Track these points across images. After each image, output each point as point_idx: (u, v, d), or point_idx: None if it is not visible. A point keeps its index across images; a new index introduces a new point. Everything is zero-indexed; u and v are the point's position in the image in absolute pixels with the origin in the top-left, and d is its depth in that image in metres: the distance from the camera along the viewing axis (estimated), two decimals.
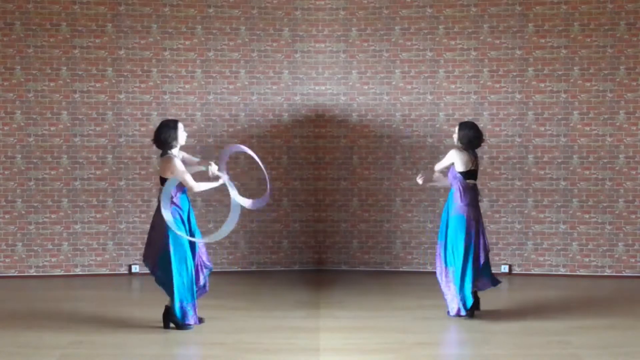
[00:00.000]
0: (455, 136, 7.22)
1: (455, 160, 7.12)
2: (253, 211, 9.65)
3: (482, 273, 7.16)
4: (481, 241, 7.11)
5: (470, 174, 7.14)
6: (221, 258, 9.64)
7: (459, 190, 7.10)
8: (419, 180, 7.43)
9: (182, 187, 6.70)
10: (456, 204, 7.10)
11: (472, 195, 7.12)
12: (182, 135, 6.73)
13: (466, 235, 7.05)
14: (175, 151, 6.71)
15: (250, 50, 9.58)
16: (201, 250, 6.90)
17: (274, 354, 6.08)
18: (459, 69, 9.46)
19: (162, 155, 6.70)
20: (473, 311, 7.12)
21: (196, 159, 6.96)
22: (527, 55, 9.33)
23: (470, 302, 7.07)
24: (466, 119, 9.40)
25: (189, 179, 6.64)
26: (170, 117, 9.35)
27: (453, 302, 7.10)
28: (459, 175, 7.11)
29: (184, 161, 6.79)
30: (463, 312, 7.06)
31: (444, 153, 9.35)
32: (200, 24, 9.49)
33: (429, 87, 9.53)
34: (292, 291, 8.53)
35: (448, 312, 7.16)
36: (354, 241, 9.78)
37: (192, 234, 6.78)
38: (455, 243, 7.08)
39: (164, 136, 6.65)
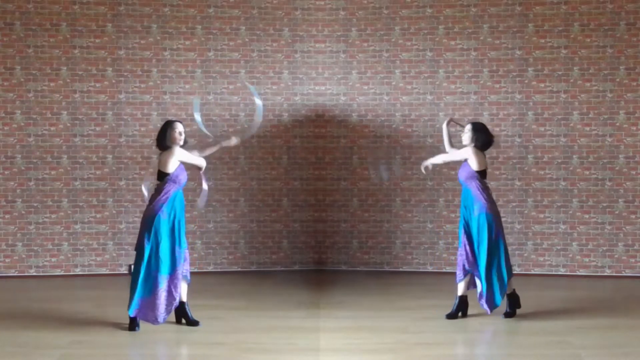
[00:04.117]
0: (468, 136, 7.12)
1: (471, 157, 7.05)
2: (253, 211, 9.67)
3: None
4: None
5: (484, 174, 7.14)
6: (221, 258, 9.65)
7: (479, 189, 7.05)
8: (428, 165, 7.32)
9: (178, 184, 6.71)
10: (480, 203, 7.03)
11: (489, 192, 7.17)
12: (174, 136, 6.72)
13: (488, 234, 7.00)
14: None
15: (250, 50, 9.58)
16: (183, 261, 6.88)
17: (274, 354, 6.08)
18: (459, 69, 9.47)
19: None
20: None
21: (197, 152, 7.08)
22: (527, 55, 9.34)
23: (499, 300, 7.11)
24: (466, 120, 9.41)
25: (196, 158, 6.86)
26: (170, 118, 9.37)
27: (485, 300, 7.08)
28: (476, 174, 7.08)
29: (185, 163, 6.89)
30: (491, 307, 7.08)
31: (443, 153, 9.40)
32: (200, 24, 9.49)
33: (429, 87, 9.53)
34: (292, 291, 8.53)
35: (487, 309, 7.09)
36: (354, 241, 9.78)
37: (175, 238, 6.77)
38: (481, 244, 7.03)
39: (159, 138, 6.77)
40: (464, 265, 7.14)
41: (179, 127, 6.77)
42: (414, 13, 9.50)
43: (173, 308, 6.80)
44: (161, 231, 6.67)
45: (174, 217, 6.75)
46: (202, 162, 6.89)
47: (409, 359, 5.99)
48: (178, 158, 6.70)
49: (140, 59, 9.42)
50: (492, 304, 7.07)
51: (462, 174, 7.14)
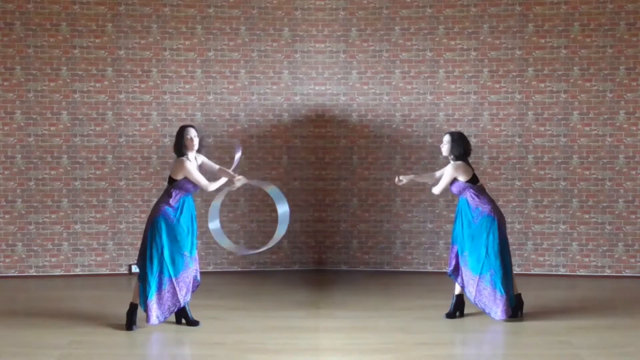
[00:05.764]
0: (447, 147, 7.09)
1: (457, 174, 7.03)
2: (253, 211, 9.68)
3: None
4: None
5: (474, 180, 7.13)
6: (221, 258, 9.65)
7: (473, 196, 7.04)
8: (402, 180, 7.23)
9: (185, 191, 6.72)
10: (479, 208, 7.03)
11: (486, 194, 7.14)
12: (186, 143, 6.72)
13: (499, 232, 7.01)
14: (190, 155, 6.76)
15: (250, 50, 9.58)
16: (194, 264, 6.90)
17: (274, 354, 6.08)
18: (459, 69, 9.46)
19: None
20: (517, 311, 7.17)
21: (216, 166, 6.98)
22: (527, 55, 9.34)
23: (513, 301, 7.06)
24: (466, 120, 9.42)
25: (201, 179, 6.72)
26: (168, 120, 9.38)
27: (497, 306, 6.98)
28: (466, 184, 7.06)
29: (203, 167, 6.88)
30: (509, 313, 7.00)
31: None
32: (200, 24, 9.49)
33: (429, 87, 9.53)
34: (292, 291, 8.53)
35: (491, 316, 7.04)
36: (354, 241, 9.78)
37: (184, 243, 6.78)
38: (491, 244, 6.98)
39: (175, 143, 6.80)
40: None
41: (190, 133, 6.76)
42: (414, 13, 9.50)
43: (174, 310, 6.82)
44: (163, 233, 6.70)
45: (184, 223, 6.77)
46: (204, 185, 6.72)
47: (409, 359, 5.99)
48: (184, 172, 6.68)
49: (140, 59, 9.42)
50: (509, 308, 7.01)
51: (454, 189, 7.13)
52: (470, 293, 7.07)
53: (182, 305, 6.82)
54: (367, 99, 9.65)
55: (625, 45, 9.17)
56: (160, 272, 6.71)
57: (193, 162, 6.79)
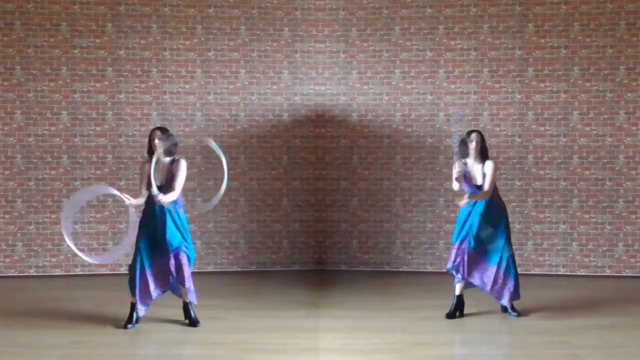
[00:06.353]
0: (479, 146, 7.09)
1: (495, 171, 7.18)
2: (253, 211, 9.67)
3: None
4: None
5: None
6: (221, 258, 9.64)
7: (497, 194, 7.21)
8: (462, 203, 7.13)
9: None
10: (499, 206, 7.18)
11: None
12: (152, 145, 6.77)
13: (509, 224, 7.25)
14: (162, 158, 6.79)
15: (250, 50, 9.58)
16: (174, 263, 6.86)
17: (274, 354, 6.09)
18: (459, 69, 9.46)
19: None
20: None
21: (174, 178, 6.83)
22: (527, 55, 9.33)
23: (518, 291, 7.23)
24: (466, 120, 9.41)
25: (139, 185, 6.88)
26: (168, 120, 9.38)
27: (507, 291, 7.13)
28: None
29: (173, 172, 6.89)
30: (513, 298, 7.18)
31: (444, 153, 9.41)
32: (200, 24, 9.49)
33: (429, 87, 9.53)
34: (292, 291, 8.53)
35: (501, 303, 7.21)
36: (354, 241, 9.78)
37: (157, 238, 6.78)
38: (505, 236, 7.13)
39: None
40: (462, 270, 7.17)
41: (153, 135, 6.81)
42: (414, 13, 9.50)
43: (149, 303, 6.83)
44: (141, 228, 6.79)
45: (151, 219, 6.80)
46: (141, 198, 6.80)
47: (409, 359, 5.99)
48: (141, 175, 6.82)
49: (140, 59, 9.42)
50: (516, 296, 7.18)
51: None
52: (486, 285, 7.13)
53: (152, 299, 6.82)
54: (367, 99, 9.65)
55: (625, 45, 9.17)
56: (137, 263, 6.76)
57: (162, 163, 6.80)
